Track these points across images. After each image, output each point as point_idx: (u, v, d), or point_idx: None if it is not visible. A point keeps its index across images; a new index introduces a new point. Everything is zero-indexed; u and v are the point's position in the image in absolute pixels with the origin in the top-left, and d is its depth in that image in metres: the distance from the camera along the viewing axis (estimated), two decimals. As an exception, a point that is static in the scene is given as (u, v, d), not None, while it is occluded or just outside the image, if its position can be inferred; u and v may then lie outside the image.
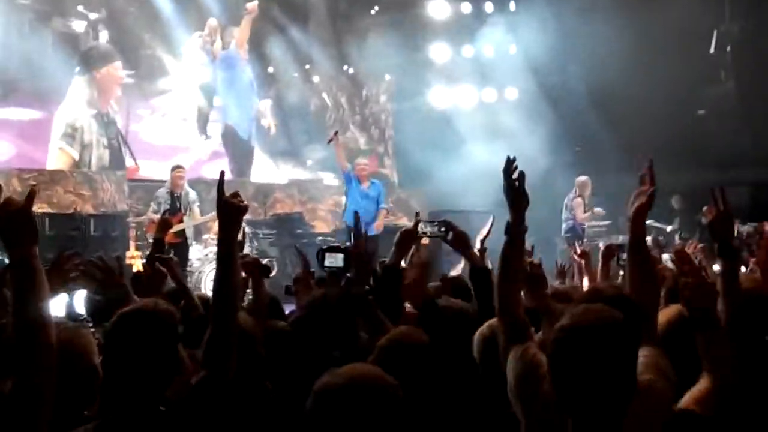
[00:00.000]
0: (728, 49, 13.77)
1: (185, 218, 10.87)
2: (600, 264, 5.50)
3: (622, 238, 11.49)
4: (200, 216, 11.05)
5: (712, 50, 13.67)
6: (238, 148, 15.47)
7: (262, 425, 3.08)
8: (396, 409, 2.07)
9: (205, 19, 14.85)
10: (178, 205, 10.95)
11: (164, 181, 11.41)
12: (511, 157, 3.04)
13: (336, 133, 11.77)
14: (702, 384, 2.62)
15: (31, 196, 2.46)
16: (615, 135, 13.60)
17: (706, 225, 3.17)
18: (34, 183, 12.11)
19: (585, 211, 12.15)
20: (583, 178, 12.34)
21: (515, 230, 3.00)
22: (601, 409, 2.20)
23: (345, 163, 11.69)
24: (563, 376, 2.23)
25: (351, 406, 2.02)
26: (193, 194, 11.23)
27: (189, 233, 10.99)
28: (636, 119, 13.33)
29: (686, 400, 2.59)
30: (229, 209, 2.81)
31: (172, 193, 11.04)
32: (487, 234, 5.00)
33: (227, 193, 2.83)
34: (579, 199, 12.17)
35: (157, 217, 10.88)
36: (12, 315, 2.42)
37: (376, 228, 11.22)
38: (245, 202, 2.87)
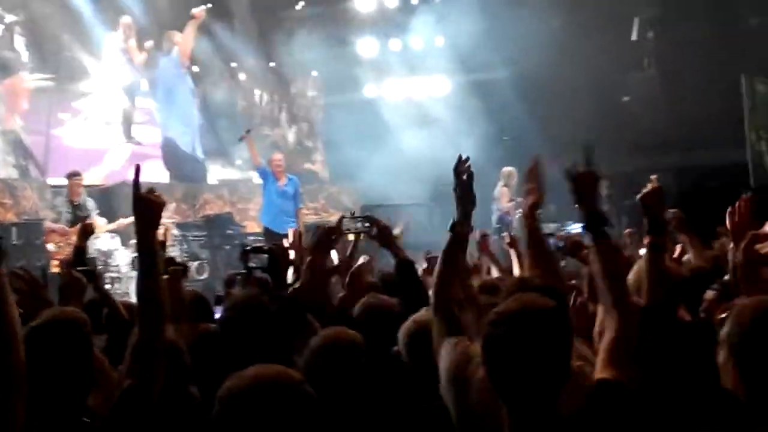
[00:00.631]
0: (650, 35, 14.01)
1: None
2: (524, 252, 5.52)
3: (553, 226, 11.63)
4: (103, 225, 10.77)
5: (634, 37, 13.89)
6: (181, 163, 15.08)
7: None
8: (306, 407, 2.00)
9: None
10: (79, 214, 10.68)
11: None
12: (463, 157, 3.15)
13: (248, 131, 11.53)
14: (606, 338, 2.56)
15: None
16: (542, 124, 13.71)
17: (635, 204, 3.25)
18: None
19: (509, 201, 12.20)
20: (507, 168, 12.40)
21: (460, 229, 3.07)
22: (537, 395, 2.24)
23: (258, 159, 11.44)
24: (498, 362, 2.26)
25: (258, 409, 1.95)
26: (91, 202, 10.96)
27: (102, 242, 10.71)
28: (562, 107, 13.47)
29: (599, 365, 2.55)
30: (146, 206, 2.70)
31: (71, 202, 10.78)
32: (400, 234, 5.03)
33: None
34: (504, 189, 12.23)
35: (57, 226, 10.68)
36: None
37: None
38: (162, 197, 2.76)
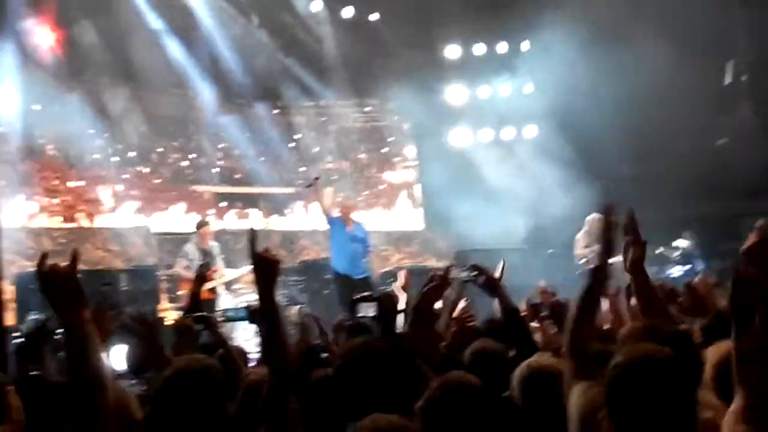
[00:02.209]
0: (743, 78, 13.84)
1: (218, 273, 10.98)
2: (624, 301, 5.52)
3: (652, 272, 11.48)
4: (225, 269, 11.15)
5: (728, 80, 13.74)
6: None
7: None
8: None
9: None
10: (209, 260, 11.04)
11: (190, 234, 11.55)
12: (608, 203, 3.21)
13: (317, 178, 11.27)
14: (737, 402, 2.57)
15: (74, 259, 2.55)
16: (636, 169, 13.62)
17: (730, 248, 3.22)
18: (64, 240, 12.54)
19: (585, 246, 11.98)
20: (592, 215, 12.26)
21: (599, 274, 3.09)
22: None
23: (329, 210, 11.19)
24: (620, 413, 2.29)
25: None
26: (216, 248, 11.33)
27: (219, 287, 11.09)
28: (656, 152, 13.38)
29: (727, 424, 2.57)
30: (265, 264, 2.84)
31: (202, 250, 11.15)
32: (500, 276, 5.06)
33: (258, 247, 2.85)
34: (579, 234, 12.03)
35: (190, 274, 11.03)
36: (68, 377, 2.50)
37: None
38: (277, 255, 2.91)
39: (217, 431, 2.83)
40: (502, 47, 16.11)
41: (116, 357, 5.13)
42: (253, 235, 2.90)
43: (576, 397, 2.75)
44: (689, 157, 13.22)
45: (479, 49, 16.20)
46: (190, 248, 11.19)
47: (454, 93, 16.54)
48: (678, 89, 12.82)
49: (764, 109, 13.98)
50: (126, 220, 14.05)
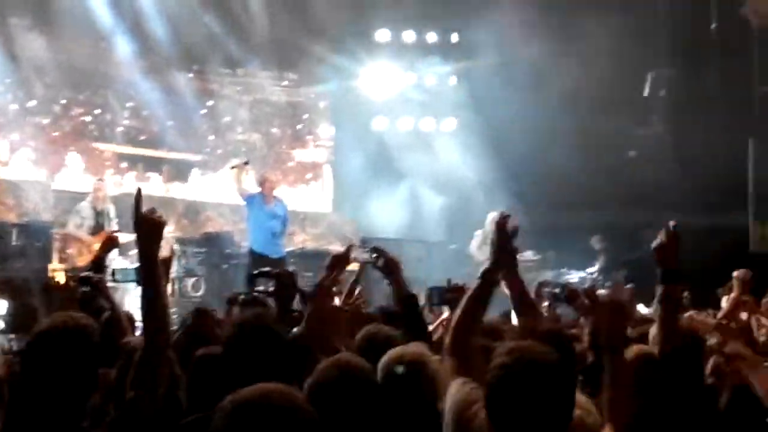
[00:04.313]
0: (662, 93, 14.14)
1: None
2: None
3: (551, 275, 11.64)
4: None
5: (645, 93, 14.02)
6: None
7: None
8: (307, 427, 2.00)
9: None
10: (102, 222, 10.73)
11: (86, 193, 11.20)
12: (506, 213, 3.36)
13: (246, 162, 11.07)
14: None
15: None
16: (545, 171, 13.76)
17: (648, 260, 3.26)
18: None
19: (479, 247, 12.02)
20: (490, 214, 12.34)
21: (491, 277, 3.20)
22: None
23: (245, 191, 10.94)
24: (501, 412, 2.31)
25: (260, 425, 1.95)
26: (113, 210, 11.02)
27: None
28: (566, 157, 13.56)
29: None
30: (148, 225, 2.81)
31: (94, 209, 10.83)
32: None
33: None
34: (477, 231, 12.07)
35: (82, 234, 10.73)
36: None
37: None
38: (163, 217, 2.88)
39: (86, 393, 2.75)
40: (431, 37, 16.07)
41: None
42: (138, 194, 2.87)
43: (453, 391, 2.80)
44: (604, 164, 13.46)
45: (409, 36, 16.12)
46: (84, 207, 10.94)
47: (378, 78, 16.41)
48: (599, 95, 13.03)
49: (675, 127, 14.30)
50: (24, 173, 13.47)
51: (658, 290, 3.21)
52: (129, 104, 14.86)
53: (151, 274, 2.78)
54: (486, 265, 3.26)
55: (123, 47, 14.15)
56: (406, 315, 4.25)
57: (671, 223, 3.35)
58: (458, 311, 3.11)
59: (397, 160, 15.46)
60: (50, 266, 11.00)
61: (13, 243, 10.78)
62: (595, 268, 13.29)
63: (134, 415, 2.64)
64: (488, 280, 3.16)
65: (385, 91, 16.39)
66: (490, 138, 14.18)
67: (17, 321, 4.21)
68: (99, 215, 10.82)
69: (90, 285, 4.85)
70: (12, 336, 4.28)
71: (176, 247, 11.48)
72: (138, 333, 4.77)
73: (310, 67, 16.09)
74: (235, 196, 11.20)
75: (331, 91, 16.28)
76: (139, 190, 2.89)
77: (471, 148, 14.30)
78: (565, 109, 13.39)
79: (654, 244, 3.24)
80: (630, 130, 14.55)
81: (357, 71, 16.15)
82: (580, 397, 2.87)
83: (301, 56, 15.92)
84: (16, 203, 12.83)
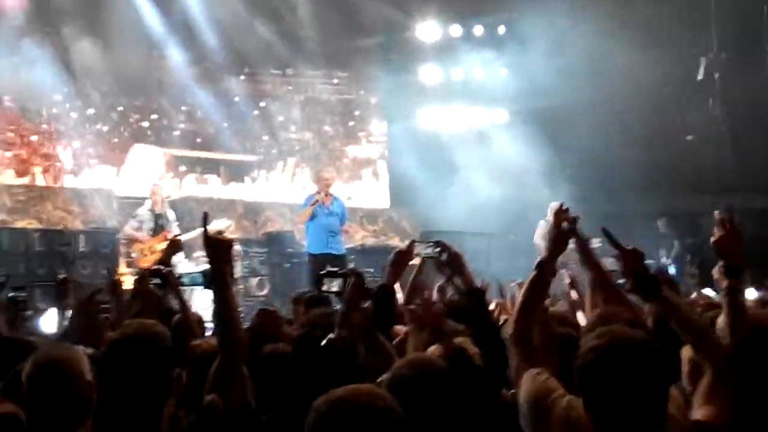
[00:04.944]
0: (716, 76, 13.89)
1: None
2: (588, 291, 5.48)
3: (611, 262, 11.52)
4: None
5: (700, 77, 13.78)
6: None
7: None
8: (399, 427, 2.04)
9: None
10: (161, 224, 10.93)
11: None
12: (564, 206, 3.35)
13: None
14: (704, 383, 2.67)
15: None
16: (602, 157, 13.64)
17: (710, 245, 3.17)
18: (24, 198, 12.36)
19: (544, 236, 11.93)
20: (552, 203, 12.27)
21: (547, 268, 3.18)
22: (637, 427, 2.26)
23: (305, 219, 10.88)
24: (596, 395, 2.31)
25: (354, 426, 2.00)
26: (172, 213, 11.21)
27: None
28: (623, 143, 13.42)
29: (696, 406, 2.62)
30: (217, 246, 2.96)
31: (154, 212, 11.03)
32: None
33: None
34: (542, 221, 12.00)
35: (141, 235, 10.94)
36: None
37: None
38: (230, 238, 3.11)
39: (161, 399, 2.81)
40: (478, 30, 16.00)
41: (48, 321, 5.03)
42: (205, 217, 3.05)
43: (526, 383, 2.81)
44: (660, 150, 13.29)
45: (455, 30, 16.07)
46: (142, 211, 11.10)
47: (427, 72, 16.43)
48: (653, 81, 12.86)
49: (733, 109, 14.05)
50: (88, 181, 13.84)
51: (723, 282, 3.05)
52: (184, 108, 15.10)
53: (223, 290, 2.94)
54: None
55: (175, 54, 14.37)
56: (473, 309, 4.22)
57: (721, 216, 3.21)
58: (518, 301, 3.16)
59: (450, 153, 15.43)
60: (118, 271, 11.24)
61: (81, 249, 11.04)
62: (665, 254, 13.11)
63: (212, 419, 2.74)
64: (544, 271, 3.16)
65: (434, 85, 16.39)
66: (544, 127, 14.07)
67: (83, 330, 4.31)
68: (158, 218, 11.02)
69: (160, 278, 4.93)
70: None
71: (238, 247, 11.63)
72: (207, 334, 4.87)
73: (359, 65, 16.16)
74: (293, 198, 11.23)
75: (381, 87, 16.32)
76: (205, 214, 3.07)
77: (525, 138, 14.19)
78: (620, 96, 13.24)
79: (713, 238, 3.11)
80: (686, 114, 14.31)
81: (406, 66, 16.18)
82: (673, 392, 2.86)
83: (350, 54, 16.00)
84: (82, 211, 13.16)
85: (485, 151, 15.04)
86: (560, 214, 3.30)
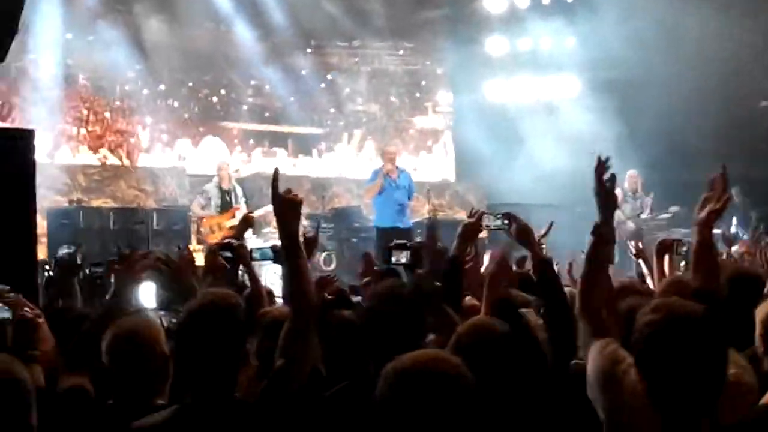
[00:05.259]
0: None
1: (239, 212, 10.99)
2: (654, 260, 5.42)
3: (683, 231, 11.32)
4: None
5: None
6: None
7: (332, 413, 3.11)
8: (469, 397, 2.06)
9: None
10: (229, 200, 11.07)
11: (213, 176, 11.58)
12: (603, 158, 3.06)
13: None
14: None
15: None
16: (674, 126, 13.36)
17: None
18: (99, 177, 12.72)
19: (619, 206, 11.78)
20: (630, 171, 12.17)
21: (604, 230, 3.02)
22: (695, 404, 2.24)
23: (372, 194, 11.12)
24: (653, 371, 2.29)
25: (426, 390, 2.01)
26: (240, 190, 11.33)
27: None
28: (696, 111, 13.11)
29: None
30: (286, 205, 2.90)
31: (220, 188, 11.17)
32: (545, 234, 4.96)
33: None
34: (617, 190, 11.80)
35: (206, 213, 11.11)
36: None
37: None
38: (300, 196, 2.97)
39: (236, 367, 2.85)
40: (546, -1, 15.72)
41: (145, 294, 5.12)
42: (275, 175, 2.96)
43: (594, 354, 2.75)
44: (736, 116, 12.98)
45: (522, 1, 15.81)
46: (210, 187, 11.27)
47: (494, 43, 16.20)
48: (727, 47, 12.53)
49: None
50: (161, 157, 14.14)
51: None
52: (252, 83, 15.23)
53: (293, 248, 2.87)
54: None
55: (242, 30, 14.48)
56: (542, 280, 4.21)
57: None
58: (582, 271, 3.02)
59: (516, 125, 15.27)
60: (190, 247, 11.44)
61: (154, 227, 11.28)
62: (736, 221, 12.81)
63: (284, 383, 2.76)
64: (601, 236, 3.01)
65: (501, 56, 16.20)
66: (614, 96, 13.81)
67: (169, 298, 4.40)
68: (225, 194, 11.16)
69: (231, 251, 4.97)
70: (162, 313, 4.48)
71: (305, 223, 11.72)
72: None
73: (425, 36, 16.06)
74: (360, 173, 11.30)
75: (448, 57, 16.20)
76: (276, 171, 2.98)
77: (594, 108, 13.97)
78: (693, 62, 12.91)
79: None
80: (761, 80, 13.91)
81: (472, 36, 15.99)
82: (736, 356, 2.83)
83: (416, 26, 15.91)
84: (154, 189, 13.43)
85: (552, 122, 14.85)
86: (602, 168, 3.06)
